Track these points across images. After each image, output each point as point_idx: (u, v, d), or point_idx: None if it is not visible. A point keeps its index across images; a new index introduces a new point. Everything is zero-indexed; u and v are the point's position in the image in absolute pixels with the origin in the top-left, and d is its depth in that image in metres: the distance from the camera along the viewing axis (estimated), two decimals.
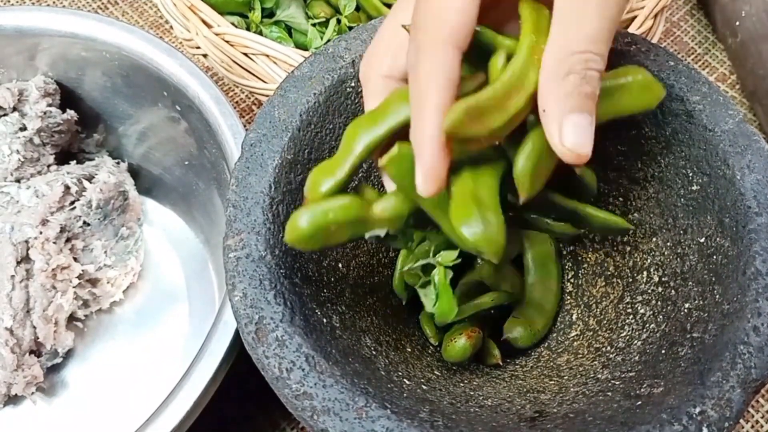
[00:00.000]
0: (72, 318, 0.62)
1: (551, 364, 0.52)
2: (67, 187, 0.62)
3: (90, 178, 0.65)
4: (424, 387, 0.46)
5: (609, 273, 0.54)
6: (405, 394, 0.43)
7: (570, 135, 0.35)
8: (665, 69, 0.50)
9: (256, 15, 0.72)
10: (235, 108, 0.57)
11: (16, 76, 0.65)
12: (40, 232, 0.60)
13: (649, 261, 0.51)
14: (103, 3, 0.86)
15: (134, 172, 0.70)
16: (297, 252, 0.46)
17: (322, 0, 0.74)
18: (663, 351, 0.45)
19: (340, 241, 0.42)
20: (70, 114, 0.65)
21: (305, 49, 0.71)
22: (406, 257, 0.52)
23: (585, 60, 0.34)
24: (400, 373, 0.47)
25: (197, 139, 0.61)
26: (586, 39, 0.34)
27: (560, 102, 0.35)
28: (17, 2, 0.85)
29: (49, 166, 0.66)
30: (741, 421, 0.61)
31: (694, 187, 0.48)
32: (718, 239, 0.45)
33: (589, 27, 0.34)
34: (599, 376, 0.47)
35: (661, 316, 0.48)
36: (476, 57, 0.39)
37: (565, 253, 0.57)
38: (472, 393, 0.48)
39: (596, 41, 0.34)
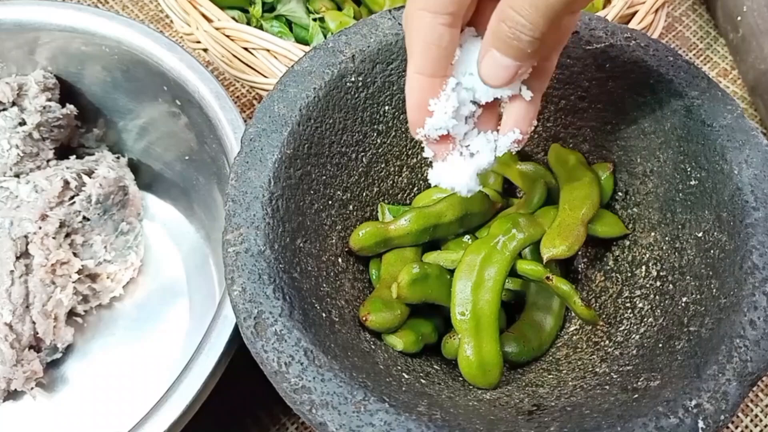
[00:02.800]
0: (72, 313, 0.62)
1: (550, 358, 0.52)
2: (67, 182, 0.62)
3: (90, 173, 0.65)
4: (423, 381, 0.46)
5: (608, 268, 0.54)
6: (404, 388, 0.43)
7: (486, 65, 0.39)
8: (664, 64, 0.50)
9: (256, 9, 0.72)
10: (235, 103, 0.57)
11: (16, 70, 0.65)
12: (40, 227, 0.60)
13: (647, 256, 0.51)
14: None
15: (134, 167, 0.70)
16: (296, 247, 0.46)
17: None
18: (660, 345, 0.45)
19: None
20: (70, 109, 0.65)
21: (306, 43, 0.71)
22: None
23: (515, 20, 0.36)
24: (399, 367, 0.47)
25: (197, 134, 0.61)
26: (525, 4, 0.36)
27: (490, 37, 0.38)
28: None
29: (48, 161, 0.66)
30: (740, 415, 0.61)
31: (693, 182, 0.48)
32: (715, 234, 0.45)
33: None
34: (597, 369, 0.47)
35: (659, 310, 0.48)
36: None
37: None
38: (470, 386, 0.48)
39: (532, 10, 0.36)
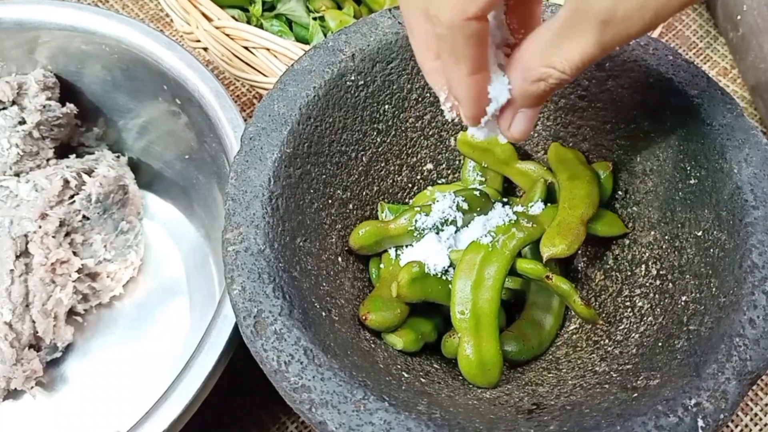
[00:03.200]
0: (72, 312, 0.62)
1: (550, 357, 0.52)
2: (67, 181, 0.62)
3: (89, 172, 0.65)
4: (423, 380, 0.46)
5: (608, 266, 0.54)
6: (403, 387, 0.43)
7: (520, 126, 0.41)
8: (664, 63, 0.50)
9: (256, 8, 0.72)
10: (236, 102, 0.57)
11: (16, 69, 0.65)
12: (39, 226, 0.60)
13: (647, 254, 0.51)
14: None
15: (134, 166, 0.70)
16: (296, 246, 0.46)
17: None
18: (660, 343, 0.45)
19: None
20: (70, 107, 0.65)
21: (306, 42, 0.71)
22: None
23: (557, 77, 0.37)
24: (398, 366, 0.47)
25: (197, 133, 0.61)
26: (568, 61, 0.36)
27: (519, 99, 0.39)
28: None
29: (48, 159, 0.66)
30: (740, 413, 0.61)
31: (692, 181, 0.48)
32: (715, 232, 0.45)
33: (576, 50, 0.36)
34: (597, 368, 0.47)
35: (658, 309, 0.48)
36: None
37: None
38: (470, 385, 0.48)
39: (574, 65, 0.36)
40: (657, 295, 0.49)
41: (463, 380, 0.49)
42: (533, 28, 0.39)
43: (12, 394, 0.60)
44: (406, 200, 0.58)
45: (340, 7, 0.74)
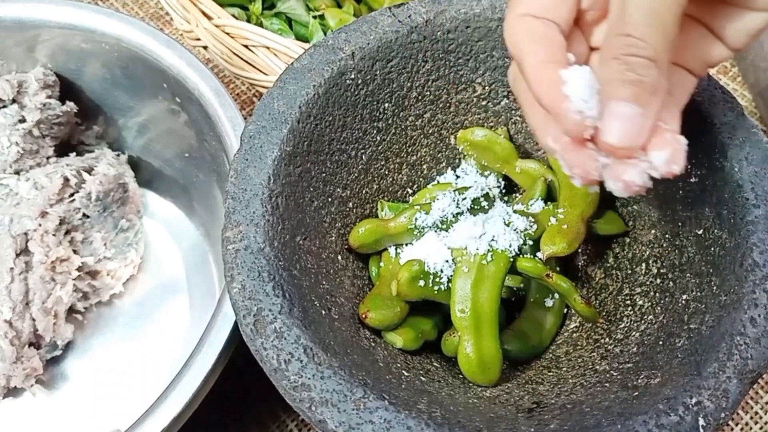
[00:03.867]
0: (72, 310, 0.62)
1: (550, 355, 0.52)
2: (67, 179, 0.62)
3: (90, 170, 0.65)
4: (423, 378, 0.46)
5: (608, 265, 0.54)
6: (403, 386, 0.43)
7: (609, 126, 0.33)
8: None
9: (256, 7, 0.72)
10: (235, 100, 0.57)
11: (16, 67, 0.65)
12: (39, 225, 0.60)
13: (648, 253, 0.51)
14: None
15: (134, 164, 0.70)
16: (296, 244, 0.46)
17: None
18: (660, 342, 0.45)
19: None
20: (70, 106, 0.65)
21: (306, 41, 0.71)
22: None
23: (626, 45, 0.32)
24: (398, 365, 0.47)
25: (197, 132, 0.61)
26: (630, 23, 0.31)
27: (609, 86, 0.33)
28: None
29: (48, 158, 0.66)
30: (740, 412, 0.61)
31: (693, 180, 0.48)
32: (715, 231, 0.45)
33: (636, 11, 0.31)
34: (597, 367, 0.47)
35: (659, 308, 0.48)
36: None
37: None
38: (470, 384, 0.48)
39: (640, 25, 0.31)
40: (657, 294, 0.49)
41: (463, 379, 0.49)
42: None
43: (12, 392, 0.60)
44: (406, 198, 0.58)
45: (339, 6, 0.74)
